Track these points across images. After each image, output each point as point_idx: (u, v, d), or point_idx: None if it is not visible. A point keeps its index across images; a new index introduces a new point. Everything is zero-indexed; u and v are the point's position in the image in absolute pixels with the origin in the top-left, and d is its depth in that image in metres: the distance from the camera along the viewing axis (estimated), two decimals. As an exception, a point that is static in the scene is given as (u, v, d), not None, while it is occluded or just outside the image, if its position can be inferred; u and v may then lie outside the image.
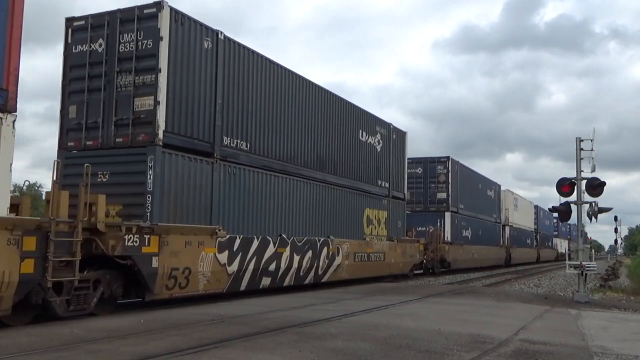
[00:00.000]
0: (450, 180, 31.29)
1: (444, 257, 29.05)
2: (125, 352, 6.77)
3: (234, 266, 13.11)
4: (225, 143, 13.39)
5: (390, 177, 22.51)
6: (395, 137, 23.34)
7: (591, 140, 15.81)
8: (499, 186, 42.83)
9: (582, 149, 15.90)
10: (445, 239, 30.14)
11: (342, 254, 18.15)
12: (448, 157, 31.68)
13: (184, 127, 12.23)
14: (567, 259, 16.95)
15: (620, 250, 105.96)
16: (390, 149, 22.74)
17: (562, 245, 72.43)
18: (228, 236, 12.91)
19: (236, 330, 8.51)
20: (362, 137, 20.40)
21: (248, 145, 14.20)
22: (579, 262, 15.78)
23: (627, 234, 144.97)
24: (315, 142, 17.39)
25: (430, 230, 28.88)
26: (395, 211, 22.86)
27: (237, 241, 13.27)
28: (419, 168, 31.73)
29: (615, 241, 73.16)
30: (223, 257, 12.73)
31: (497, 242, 41.06)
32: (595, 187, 15.77)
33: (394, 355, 6.99)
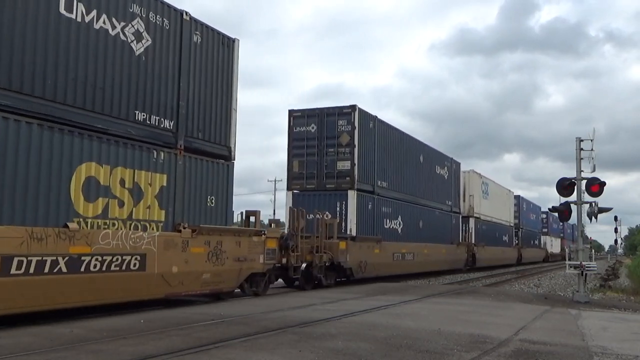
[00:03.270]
0: (357, 143, 20.24)
1: (336, 260, 18.47)
2: (125, 352, 6.78)
3: None
4: None
5: (182, 110, 12.37)
6: (204, 40, 13.12)
7: (591, 140, 15.84)
8: (458, 164, 32.17)
9: (582, 149, 15.92)
10: (349, 231, 19.83)
11: None
12: (354, 107, 20.46)
13: None
14: (567, 258, 16.96)
15: (620, 250, 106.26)
16: (190, 57, 12.68)
17: (553, 244, 63.66)
18: None
19: (236, 330, 8.52)
20: (72, 12, 9.89)
21: None
22: (579, 262, 15.81)
23: (627, 234, 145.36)
24: None
25: (296, 216, 17.35)
26: (200, 176, 12.83)
27: None
28: (312, 125, 20.77)
29: (615, 241, 73.37)
30: None
31: (455, 238, 30.98)
32: (595, 186, 15.78)
33: (394, 355, 6.99)
